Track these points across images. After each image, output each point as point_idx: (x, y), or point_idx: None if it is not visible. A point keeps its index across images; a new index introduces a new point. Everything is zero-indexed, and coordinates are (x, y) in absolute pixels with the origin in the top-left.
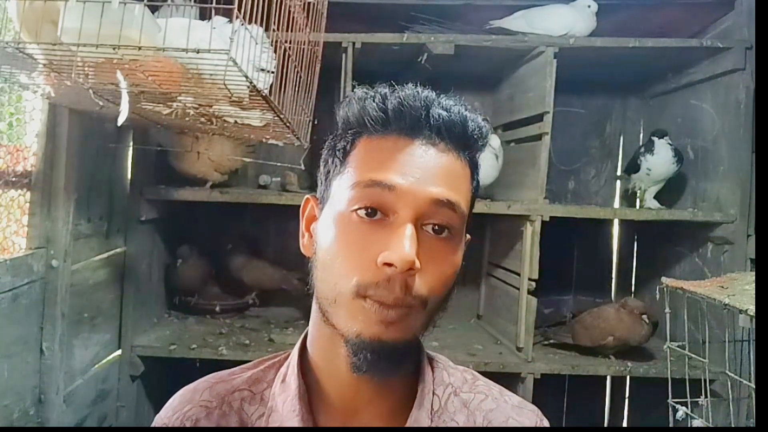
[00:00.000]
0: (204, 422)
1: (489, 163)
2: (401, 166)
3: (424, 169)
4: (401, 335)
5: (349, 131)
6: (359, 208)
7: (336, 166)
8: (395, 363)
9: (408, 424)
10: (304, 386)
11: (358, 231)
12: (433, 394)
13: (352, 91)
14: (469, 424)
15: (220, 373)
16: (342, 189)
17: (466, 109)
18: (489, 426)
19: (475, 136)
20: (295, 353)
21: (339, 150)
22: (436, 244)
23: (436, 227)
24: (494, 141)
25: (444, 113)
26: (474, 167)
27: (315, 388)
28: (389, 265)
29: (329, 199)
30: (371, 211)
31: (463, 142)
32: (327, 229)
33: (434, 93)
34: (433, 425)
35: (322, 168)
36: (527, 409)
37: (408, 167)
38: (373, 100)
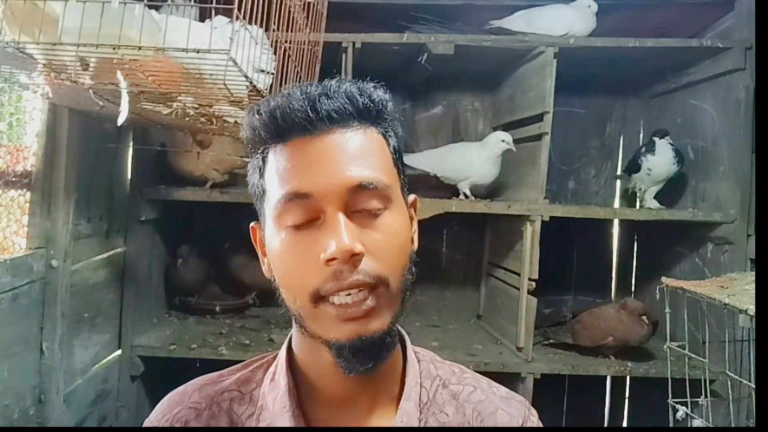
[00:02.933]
0: (194, 424)
1: (492, 161)
2: (309, 168)
3: (331, 163)
4: (377, 325)
5: (258, 149)
6: (289, 220)
7: (259, 188)
8: (380, 355)
9: (397, 416)
10: (293, 382)
11: (296, 241)
12: (421, 386)
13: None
14: (459, 416)
15: (208, 375)
16: (269, 210)
17: (351, 85)
18: (479, 417)
19: (369, 107)
20: (282, 352)
21: (256, 170)
22: (372, 221)
23: (367, 205)
24: (506, 136)
25: (329, 102)
26: (386, 133)
27: (304, 385)
28: (333, 260)
29: (265, 222)
30: (301, 218)
31: (359, 118)
32: (272, 249)
33: (314, 85)
34: (422, 417)
35: (252, 190)
36: (515, 400)
37: (315, 167)
38: (261, 116)
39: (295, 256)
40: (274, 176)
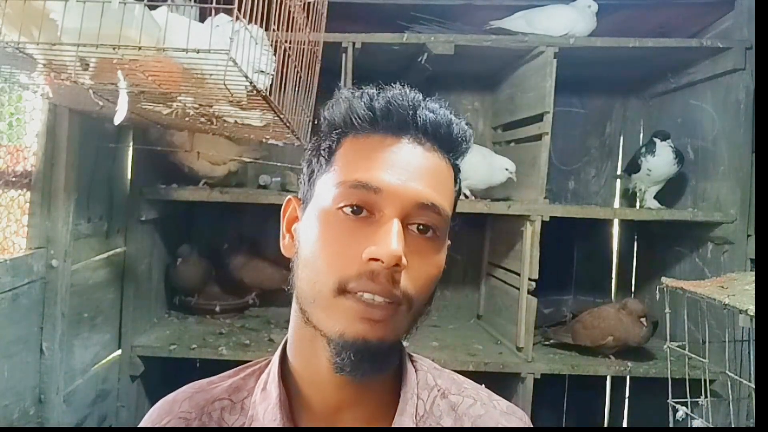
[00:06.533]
0: None
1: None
2: (387, 166)
3: (409, 169)
4: (386, 335)
5: (335, 131)
6: (345, 206)
7: (321, 165)
8: (378, 364)
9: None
10: (284, 393)
11: (342, 227)
12: (417, 398)
13: (337, 90)
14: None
15: (200, 383)
16: (327, 187)
17: (451, 113)
18: None
19: (460, 139)
20: (275, 360)
21: (324, 150)
22: (421, 242)
23: (421, 226)
24: (510, 165)
25: (430, 114)
26: (456, 170)
27: (296, 395)
28: (375, 260)
29: (313, 198)
30: (357, 209)
31: (447, 144)
32: (310, 227)
33: (420, 95)
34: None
35: (305, 169)
36: (515, 416)
37: (394, 167)
38: (361, 99)
39: (337, 240)
40: (346, 159)
